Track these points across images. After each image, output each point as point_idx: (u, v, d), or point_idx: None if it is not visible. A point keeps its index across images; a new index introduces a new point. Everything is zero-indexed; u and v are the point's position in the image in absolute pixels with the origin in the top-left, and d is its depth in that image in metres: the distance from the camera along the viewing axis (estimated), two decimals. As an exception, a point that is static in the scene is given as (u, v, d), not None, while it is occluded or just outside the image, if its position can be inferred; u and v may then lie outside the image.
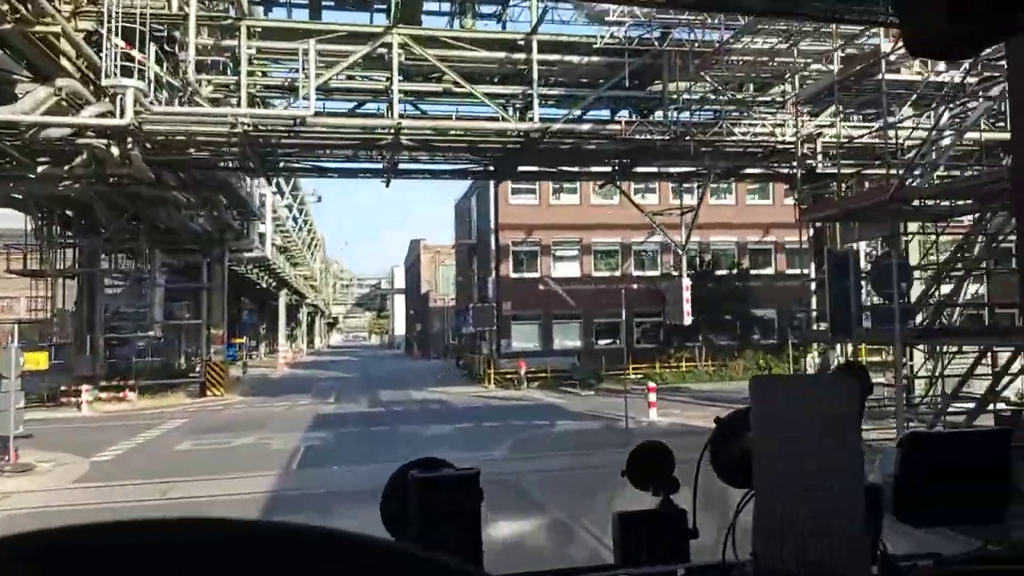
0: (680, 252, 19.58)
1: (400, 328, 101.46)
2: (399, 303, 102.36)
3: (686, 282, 18.16)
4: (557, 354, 30.23)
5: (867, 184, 18.45)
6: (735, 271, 30.44)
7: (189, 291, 31.13)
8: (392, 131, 16.27)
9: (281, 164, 19.84)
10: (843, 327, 12.04)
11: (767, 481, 1.09)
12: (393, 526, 1.30)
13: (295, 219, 53.75)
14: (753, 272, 31.96)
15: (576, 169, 18.52)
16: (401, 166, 19.27)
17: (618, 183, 19.13)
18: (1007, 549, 1.35)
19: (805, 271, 20.85)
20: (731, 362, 28.92)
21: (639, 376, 29.03)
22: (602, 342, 31.56)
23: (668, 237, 20.07)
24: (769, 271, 32.96)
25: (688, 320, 18.57)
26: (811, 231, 19.44)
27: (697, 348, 28.58)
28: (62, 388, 26.07)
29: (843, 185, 19.32)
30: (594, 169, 19.29)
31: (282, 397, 27.85)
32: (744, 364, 28.58)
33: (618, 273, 32.01)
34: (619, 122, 15.01)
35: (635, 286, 31.66)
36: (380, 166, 19.28)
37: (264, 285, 50.99)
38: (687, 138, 15.13)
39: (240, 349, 70.69)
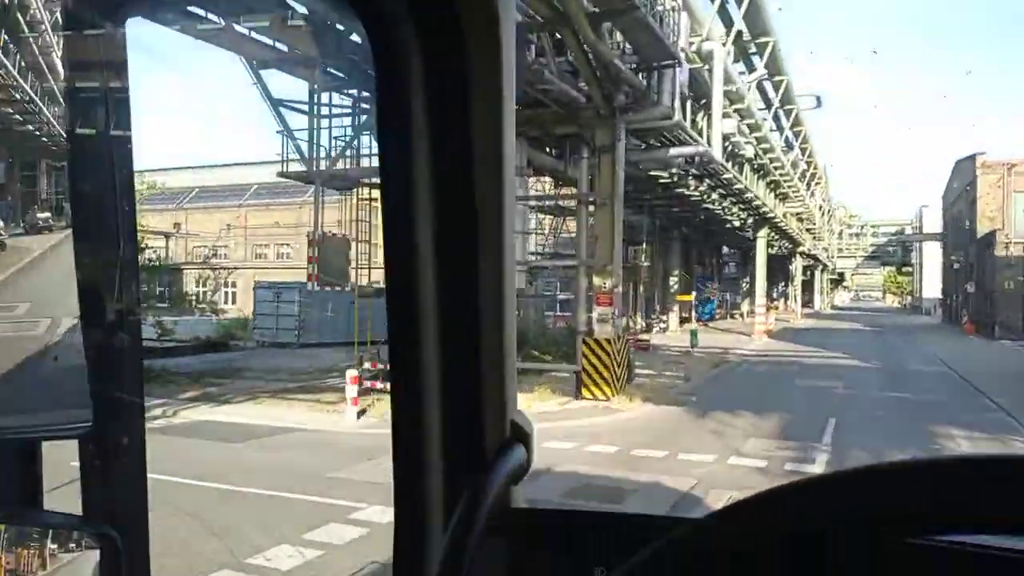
0: None
1: (931, 288, 77.15)
2: (930, 254, 77.79)
3: None
4: None
5: None
6: None
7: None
8: None
9: None
10: None
11: None
12: None
13: (779, 129, 37.48)
14: None
15: None
16: None
17: None
18: None
19: None
20: None
21: None
22: None
23: None
24: None
25: None
26: None
27: None
28: (377, 366, 16.41)
29: None
30: None
31: (714, 419, 13.40)
32: None
33: None
34: None
35: None
36: None
37: (733, 220, 36.47)
38: None
39: (719, 306, 58.08)
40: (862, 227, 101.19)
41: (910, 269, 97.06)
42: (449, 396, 0.90)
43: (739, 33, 24.88)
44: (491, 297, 0.89)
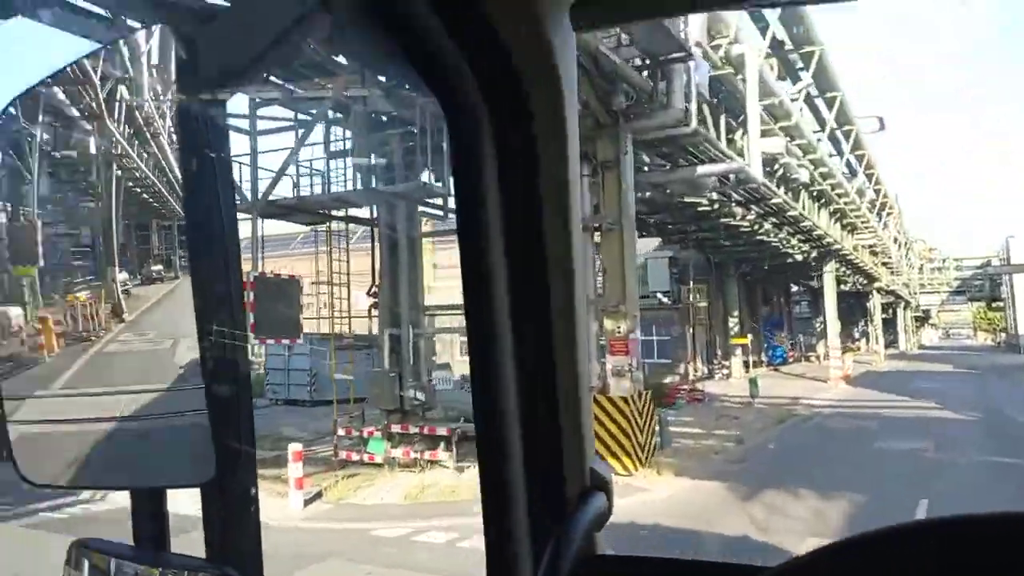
0: None
1: (1029, 322, 70.22)
2: (1022, 287, 71.09)
3: None
4: None
5: None
6: None
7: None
8: None
9: None
10: None
11: None
12: None
13: (839, 154, 33.81)
14: None
15: None
16: None
17: None
18: None
19: None
20: None
21: None
22: None
23: None
24: None
25: None
26: None
27: None
28: (352, 432, 13.92)
29: None
30: None
31: (763, 504, 10.14)
32: None
33: None
34: None
35: None
36: None
37: (794, 254, 32.81)
38: None
39: (791, 349, 53.14)
40: (943, 261, 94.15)
41: (1001, 304, 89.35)
42: (531, 446, 0.92)
43: (779, 42, 21.93)
44: (566, 348, 0.92)
